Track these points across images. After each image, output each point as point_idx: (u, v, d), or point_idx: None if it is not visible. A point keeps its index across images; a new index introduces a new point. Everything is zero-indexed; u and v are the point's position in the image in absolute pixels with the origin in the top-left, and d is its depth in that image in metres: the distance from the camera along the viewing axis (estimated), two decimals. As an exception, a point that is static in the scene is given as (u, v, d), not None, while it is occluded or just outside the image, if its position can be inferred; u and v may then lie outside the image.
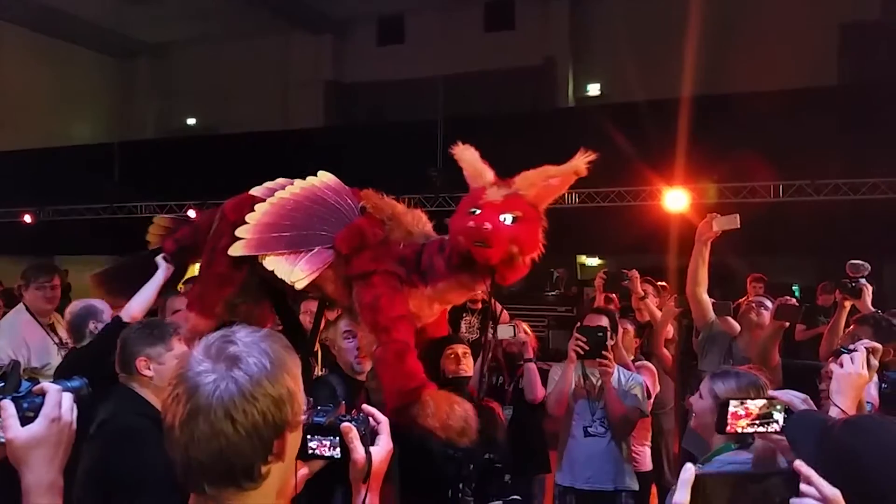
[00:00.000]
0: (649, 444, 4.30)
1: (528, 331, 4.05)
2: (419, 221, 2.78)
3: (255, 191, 2.96)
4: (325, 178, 2.93)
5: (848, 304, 4.09)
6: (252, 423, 1.02)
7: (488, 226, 2.33)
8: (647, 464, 4.20)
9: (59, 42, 15.79)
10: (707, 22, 10.78)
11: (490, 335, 3.28)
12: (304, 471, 1.20)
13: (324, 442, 1.21)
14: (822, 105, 8.67)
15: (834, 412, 1.94)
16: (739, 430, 1.93)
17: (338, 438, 1.22)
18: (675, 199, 8.23)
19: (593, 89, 14.81)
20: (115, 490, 2.10)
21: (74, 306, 3.66)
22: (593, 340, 3.45)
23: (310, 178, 2.91)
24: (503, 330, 3.83)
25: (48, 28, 15.31)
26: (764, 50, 10.69)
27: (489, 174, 2.54)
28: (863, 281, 4.04)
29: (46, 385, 1.20)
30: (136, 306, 3.31)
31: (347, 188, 2.93)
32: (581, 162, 2.42)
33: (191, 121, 17.80)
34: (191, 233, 3.46)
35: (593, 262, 14.48)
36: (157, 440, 2.18)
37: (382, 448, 1.28)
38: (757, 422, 1.90)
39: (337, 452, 1.22)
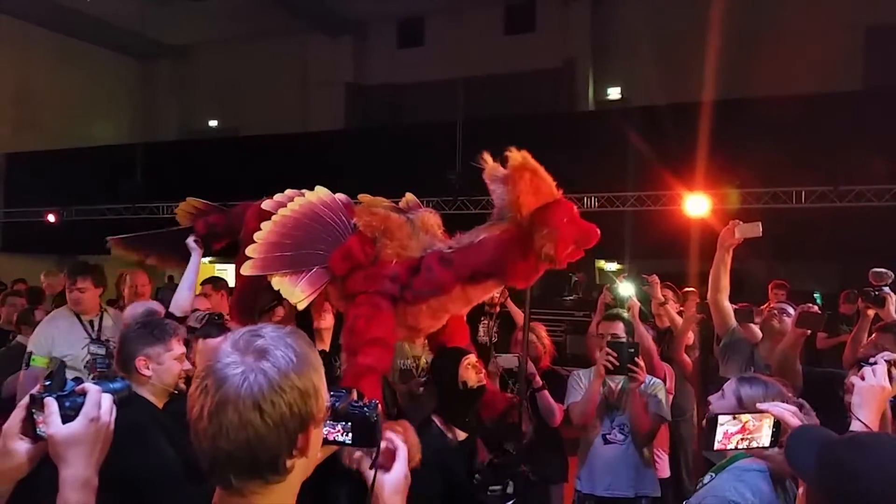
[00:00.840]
0: (667, 450, 4.26)
1: (545, 339, 4.06)
2: (427, 227, 2.74)
3: (266, 205, 2.94)
4: (320, 193, 2.91)
5: (871, 312, 4.04)
6: (279, 414, 1.04)
7: (597, 231, 2.50)
8: (665, 470, 4.16)
9: (82, 44, 16.00)
10: (729, 25, 10.71)
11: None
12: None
13: (336, 427, 1.25)
14: (846, 110, 8.55)
15: (856, 426, 1.91)
16: (732, 448, 1.89)
17: (349, 424, 1.25)
18: (696, 204, 8.16)
19: (614, 92, 14.73)
20: (126, 488, 2.11)
21: (135, 308, 3.72)
22: (624, 356, 3.44)
23: (307, 194, 2.89)
24: (506, 360, 3.85)
25: (72, 30, 15.51)
26: (787, 53, 10.59)
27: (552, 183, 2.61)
28: (886, 289, 3.99)
29: (88, 385, 1.26)
30: (183, 299, 3.37)
31: (342, 203, 2.90)
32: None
33: (212, 122, 17.95)
34: (224, 221, 3.49)
35: (612, 266, 14.41)
36: (160, 437, 2.25)
37: (395, 474, 1.31)
38: (749, 436, 1.88)
39: (349, 438, 1.25)
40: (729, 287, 3.93)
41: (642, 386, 3.56)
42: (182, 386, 2.49)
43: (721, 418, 1.88)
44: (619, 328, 3.66)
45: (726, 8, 10.62)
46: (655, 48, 12.35)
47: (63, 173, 12.73)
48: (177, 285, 12.49)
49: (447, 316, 2.79)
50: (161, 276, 14.71)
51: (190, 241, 3.48)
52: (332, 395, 1.24)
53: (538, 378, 3.87)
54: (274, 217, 2.77)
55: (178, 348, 2.53)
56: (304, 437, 1.08)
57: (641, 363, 3.45)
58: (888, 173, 7.99)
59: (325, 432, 1.22)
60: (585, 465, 3.62)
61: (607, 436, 3.56)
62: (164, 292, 6.50)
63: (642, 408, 3.48)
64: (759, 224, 3.69)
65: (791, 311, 3.90)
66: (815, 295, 10.11)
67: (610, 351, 3.46)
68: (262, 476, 1.06)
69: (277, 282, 2.66)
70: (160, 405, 2.47)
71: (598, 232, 2.51)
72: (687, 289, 6.17)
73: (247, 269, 2.70)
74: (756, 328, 4.12)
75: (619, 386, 3.61)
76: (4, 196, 14.59)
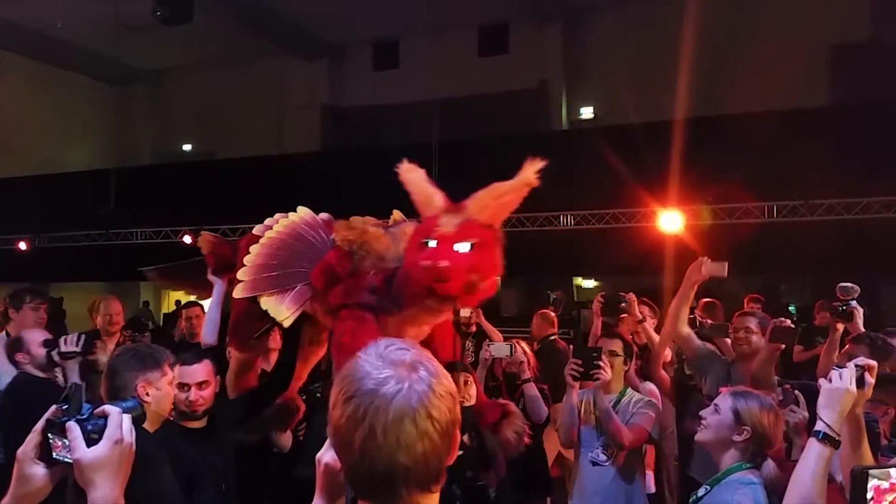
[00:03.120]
0: (652, 467, 4.27)
1: (527, 350, 4.01)
2: (401, 240, 2.73)
3: (256, 230, 3.02)
4: (302, 213, 2.98)
5: (840, 326, 4.09)
6: (445, 421, 1.07)
7: (445, 263, 2.26)
8: (651, 486, 4.17)
9: (56, 69, 15.89)
10: (699, 45, 10.90)
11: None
12: None
13: None
14: (815, 125, 8.73)
15: (819, 426, 1.98)
16: None
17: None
18: (670, 221, 8.26)
19: (587, 112, 14.91)
20: None
21: (30, 334, 3.71)
22: (589, 363, 3.39)
23: (291, 215, 2.96)
24: (499, 349, 3.78)
25: (45, 55, 15.41)
26: (756, 72, 10.81)
27: (438, 198, 2.45)
28: (853, 304, 4.04)
29: (108, 408, 1.26)
30: (208, 334, 3.45)
31: (322, 221, 2.95)
32: (530, 173, 2.34)
33: (187, 146, 17.87)
34: (230, 253, 3.52)
35: (590, 283, 14.50)
36: (164, 462, 2.25)
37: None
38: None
39: None
40: (688, 314, 3.98)
41: (631, 401, 3.51)
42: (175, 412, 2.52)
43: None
44: (619, 346, 3.61)
45: (696, 28, 10.81)
46: (627, 68, 12.53)
47: (36, 199, 12.58)
48: (149, 311, 12.31)
49: (427, 326, 2.78)
50: (135, 305, 14.56)
51: (211, 276, 3.52)
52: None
53: (527, 369, 3.83)
54: (262, 240, 2.85)
55: (170, 373, 2.55)
56: (455, 439, 1.11)
57: (604, 363, 3.40)
58: (857, 187, 8.16)
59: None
60: (576, 488, 3.57)
61: (592, 456, 3.50)
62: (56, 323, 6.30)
63: (615, 419, 3.40)
64: (727, 265, 3.75)
65: (753, 324, 3.89)
66: (789, 308, 10.26)
67: (575, 359, 3.43)
68: (429, 485, 1.08)
69: (265, 301, 2.72)
70: (151, 430, 2.47)
71: (461, 265, 2.30)
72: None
73: (238, 292, 2.77)
74: (729, 342, 4.16)
75: (610, 405, 3.54)
76: (-25, 223, 14.38)
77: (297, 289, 2.74)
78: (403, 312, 2.58)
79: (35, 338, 3.61)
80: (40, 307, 4.28)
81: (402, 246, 2.67)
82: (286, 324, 2.73)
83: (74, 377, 3.43)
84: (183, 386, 2.79)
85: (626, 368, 3.59)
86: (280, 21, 14.57)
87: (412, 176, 2.50)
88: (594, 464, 3.48)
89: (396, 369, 1.07)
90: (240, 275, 2.78)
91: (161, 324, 14.17)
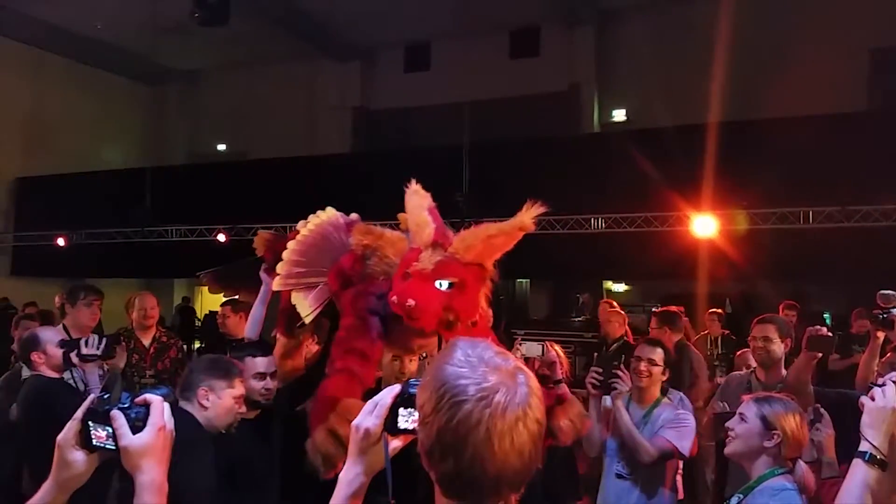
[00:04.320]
0: (680, 472, 4.21)
1: (560, 351, 3.97)
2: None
3: (298, 226, 3.11)
4: (329, 213, 3.03)
5: (881, 335, 4.02)
6: (544, 423, 1.11)
7: (411, 303, 2.24)
8: (679, 492, 4.11)
9: (93, 69, 16.19)
10: (734, 47, 10.77)
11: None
12: (396, 443, 1.28)
13: (414, 415, 1.25)
14: (852, 130, 8.58)
15: (865, 446, 1.93)
16: None
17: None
18: (704, 225, 8.17)
19: (619, 115, 14.81)
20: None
21: (45, 331, 3.75)
22: (609, 371, 3.31)
23: (320, 214, 3.01)
24: (531, 348, 3.70)
25: (83, 56, 15.72)
26: (793, 75, 10.63)
27: (428, 231, 2.39)
28: (895, 311, 3.97)
29: (149, 396, 1.33)
30: (251, 329, 3.51)
31: (343, 223, 2.98)
32: (527, 218, 2.27)
33: (221, 146, 18.09)
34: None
35: (620, 287, 14.40)
36: (211, 457, 2.33)
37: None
38: None
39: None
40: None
41: (663, 415, 3.39)
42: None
43: None
44: (658, 354, 3.50)
45: (731, 31, 10.69)
46: (660, 70, 12.43)
47: (73, 197, 12.85)
48: (188, 307, 12.48)
49: (433, 336, 2.74)
50: (169, 302, 14.78)
51: (262, 273, 3.57)
52: (410, 383, 1.28)
53: (559, 369, 3.77)
54: (297, 236, 2.93)
55: (240, 389, 2.66)
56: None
57: (623, 373, 3.33)
58: (895, 193, 8.00)
59: (403, 419, 1.27)
60: (600, 499, 3.49)
61: (617, 469, 3.41)
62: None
63: (633, 432, 3.28)
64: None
65: (772, 333, 3.72)
66: (824, 315, 10.08)
67: (595, 368, 3.37)
68: (521, 486, 1.11)
69: (294, 297, 2.80)
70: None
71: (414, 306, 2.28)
72: (711, 310, 7.16)
73: (276, 286, 2.86)
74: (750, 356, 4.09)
75: (642, 415, 3.43)
76: (15, 220, 14.72)
77: (319, 287, 2.79)
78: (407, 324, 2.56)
79: (52, 337, 3.62)
80: (94, 303, 4.39)
81: None
82: (307, 321, 2.79)
83: (94, 380, 3.48)
84: (261, 375, 2.98)
85: (663, 378, 3.46)
86: (312, 23, 14.69)
87: (414, 200, 2.49)
88: (619, 476, 3.40)
89: (501, 375, 1.09)
90: (277, 268, 2.86)
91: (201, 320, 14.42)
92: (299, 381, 3.29)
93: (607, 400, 3.45)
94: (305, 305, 2.75)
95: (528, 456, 1.08)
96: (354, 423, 1.30)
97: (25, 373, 3.72)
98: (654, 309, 4.99)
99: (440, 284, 2.28)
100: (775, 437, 2.28)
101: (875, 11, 11.26)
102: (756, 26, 11.65)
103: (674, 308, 6.10)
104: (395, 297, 2.29)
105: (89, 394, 3.42)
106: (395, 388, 1.30)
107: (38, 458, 3.36)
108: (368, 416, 1.28)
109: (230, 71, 16.96)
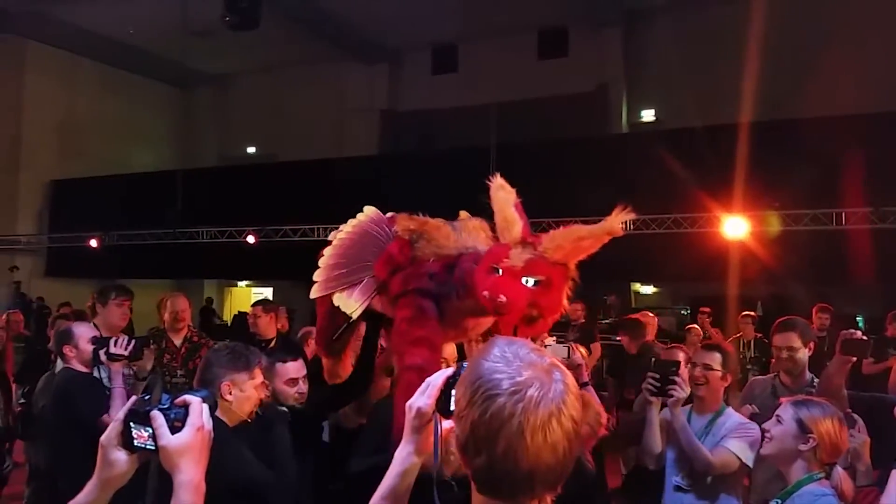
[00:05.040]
0: None
1: (584, 353, 3.90)
2: (470, 230, 2.76)
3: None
4: (368, 212, 3.03)
5: (919, 339, 3.92)
6: (579, 421, 1.10)
7: (503, 298, 2.28)
8: None
9: (125, 73, 16.48)
10: (765, 46, 10.63)
11: None
12: (447, 424, 1.28)
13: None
14: (886, 130, 8.42)
15: None
16: None
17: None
18: (735, 227, 8.07)
19: (647, 115, 14.70)
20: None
21: (78, 327, 3.81)
22: (665, 376, 3.16)
23: (358, 215, 3.02)
24: (556, 350, 3.63)
25: (116, 60, 16.01)
26: (825, 74, 10.47)
27: (518, 228, 2.44)
28: None
29: (188, 397, 1.35)
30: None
31: (385, 217, 3.00)
32: (616, 222, 2.31)
33: (250, 149, 18.29)
34: None
35: (648, 289, 14.28)
36: (232, 451, 2.36)
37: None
38: None
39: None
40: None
41: (727, 423, 3.20)
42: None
43: None
44: (716, 359, 3.30)
45: (761, 31, 10.55)
46: (689, 70, 12.31)
47: (105, 200, 13.07)
48: (209, 308, 12.55)
49: (487, 320, 2.77)
50: (199, 303, 14.95)
51: None
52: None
53: (585, 373, 3.68)
54: (334, 242, 2.94)
55: (259, 377, 2.66)
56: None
57: (680, 380, 3.17)
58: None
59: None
60: None
61: (677, 481, 3.23)
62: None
63: (692, 440, 3.12)
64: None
65: (795, 342, 3.59)
66: (857, 319, 9.90)
67: (652, 373, 3.23)
68: (556, 485, 1.10)
69: (337, 298, 2.81)
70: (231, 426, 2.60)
71: (528, 303, 2.30)
72: (745, 313, 7.05)
73: (314, 293, 2.87)
74: None
75: (703, 425, 3.24)
76: (49, 221, 15.01)
77: (364, 282, 2.81)
78: (463, 302, 2.58)
79: (85, 333, 3.69)
80: (124, 303, 4.44)
81: (464, 236, 2.72)
82: (354, 316, 2.79)
83: (118, 379, 3.54)
84: (293, 381, 3.03)
85: (724, 384, 3.26)
86: (340, 26, 14.79)
87: (500, 196, 2.50)
88: (677, 488, 3.22)
89: (536, 371, 1.09)
90: (315, 276, 2.87)
91: (229, 321, 14.57)
92: (334, 388, 3.31)
93: (666, 412, 3.27)
94: (351, 302, 2.77)
95: (563, 453, 1.07)
96: (408, 402, 1.33)
97: (60, 366, 3.81)
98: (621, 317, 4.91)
99: (527, 281, 2.31)
100: (811, 440, 2.24)
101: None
102: (786, 25, 11.48)
103: (636, 316, 6.31)
104: (486, 293, 2.31)
105: (111, 392, 3.50)
106: (448, 370, 1.32)
107: (61, 446, 3.44)
108: (421, 397, 1.30)
109: (259, 74, 17.14)
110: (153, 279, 13.62)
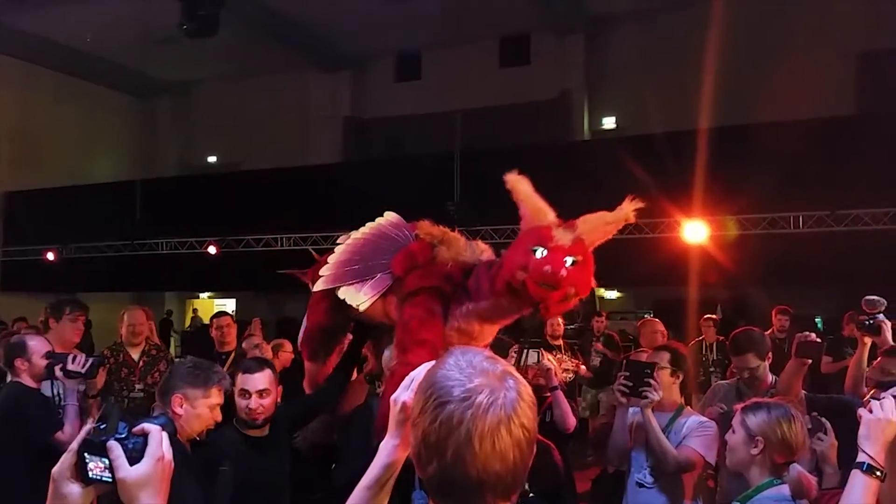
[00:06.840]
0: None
1: (552, 358, 3.97)
2: (475, 249, 2.87)
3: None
4: (388, 216, 3.12)
5: (868, 340, 4.01)
6: (532, 429, 1.09)
7: (564, 272, 2.37)
8: None
9: (82, 82, 16.16)
10: (724, 53, 10.82)
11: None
12: None
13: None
14: (841, 135, 8.62)
15: (862, 457, 1.96)
16: None
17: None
18: (695, 231, 8.18)
19: (609, 122, 14.87)
20: None
21: (33, 339, 3.71)
22: (639, 379, 3.18)
23: (378, 219, 3.11)
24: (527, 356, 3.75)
25: (72, 68, 15.69)
26: (781, 80, 10.69)
27: (551, 213, 2.55)
28: (880, 317, 3.96)
29: (147, 426, 1.27)
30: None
31: (406, 222, 3.09)
32: (629, 210, 2.55)
33: (211, 158, 18.06)
34: None
35: (612, 294, 14.41)
36: (186, 471, 2.30)
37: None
38: None
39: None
40: None
41: (689, 424, 3.25)
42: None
43: None
44: (665, 358, 3.37)
45: (720, 38, 10.75)
46: (650, 78, 12.48)
47: (62, 211, 12.78)
48: (167, 320, 12.39)
49: (495, 325, 2.87)
50: (159, 315, 14.70)
51: None
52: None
53: (554, 376, 3.73)
54: (347, 241, 3.03)
55: (216, 398, 2.57)
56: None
57: (655, 382, 3.18)
58: (884, 197, 8.04)
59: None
60: None
61: (639, 478, 3.27)
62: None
63: (661, 440, 3.16)
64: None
65: (753, 362, 3.62)
66: (816, 320, 10.11)
67: (624, 372, 3.26)
68: (510, 494, 1.09)
69: (343, 292, 2.85)
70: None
71: (576, 281, 2.42)
72: (706, 316, 7.29)
73: (319, 286, 2.92)
74: None
75: (663, 425, 3.27)
76: (3, 234, 14.63)
77: (377, 277, 2.86)
78: (478, 305, 2.66)
79: (39, 348, 3.60)
80: (79, 318, 4.34)
81: (477, 251, 2.84)
82: (362, 308, 2.82)
83: (73, 397, 3.48)
84: (244, 393, 2.84)
85: (675, 382, 3.34)
86: (303, 33, 14.72)
87: (523, 187, 2.56)
88: (640, 485, 3.27)
89: (488, 378, 1.09)
90: (322, 270, 2.92)
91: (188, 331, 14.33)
92: (301, 402, 3.27)
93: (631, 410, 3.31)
94: (360, 296, 2.81)
95: (513, 461, 1.06)
96: (392, 396, 1.32)
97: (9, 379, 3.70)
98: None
99: (568, 261, 2.40)
100: (758, 443, 2.27)
101: (862, 16, 11.36)
102: (745, 33, 11.72)
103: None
104: (546, 267, 2.36)
105: (64, 408, 3.42)
106: (430, 364, 1.31)
107: (4, 463, 3.31)
108: (404, 391, 1.30)
109: (221, 82, 16.95)
110: (113, 292, 13.36)
